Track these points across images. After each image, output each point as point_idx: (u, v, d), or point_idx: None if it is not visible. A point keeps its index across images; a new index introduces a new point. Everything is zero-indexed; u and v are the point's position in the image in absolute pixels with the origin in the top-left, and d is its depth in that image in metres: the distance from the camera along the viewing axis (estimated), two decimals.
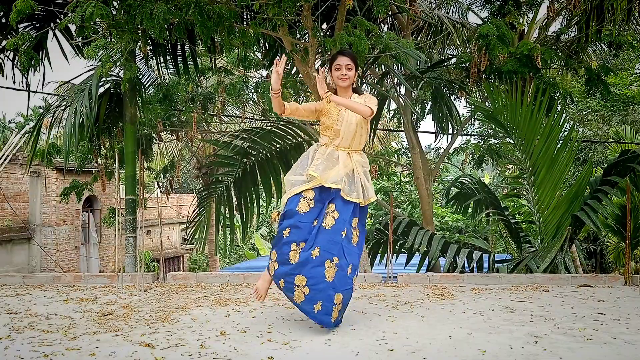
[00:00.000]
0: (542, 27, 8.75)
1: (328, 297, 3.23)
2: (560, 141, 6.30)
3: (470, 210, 8.64)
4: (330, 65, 3.53)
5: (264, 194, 8.28)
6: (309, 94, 8.60)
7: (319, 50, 6.05)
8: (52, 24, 6.32)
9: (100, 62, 5.46)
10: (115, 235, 6.06)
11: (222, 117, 11.14)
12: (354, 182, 3.43)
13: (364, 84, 8.63)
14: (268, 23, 5.04)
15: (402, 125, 9.36)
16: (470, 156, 10.82)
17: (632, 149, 7.13)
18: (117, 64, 5.56)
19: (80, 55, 6.90)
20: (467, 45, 8.53)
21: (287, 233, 3.32)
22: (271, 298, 4.35)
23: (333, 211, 3.36)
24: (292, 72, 7.27)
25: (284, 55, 3.48)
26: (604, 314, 3.70)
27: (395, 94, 8.96)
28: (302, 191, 3.38)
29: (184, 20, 4.82)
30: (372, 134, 9.17)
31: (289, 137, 8.12)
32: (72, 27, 5.79)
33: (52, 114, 7.00)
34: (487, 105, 7.23)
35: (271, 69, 7.74)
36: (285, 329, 3.38)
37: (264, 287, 3.53)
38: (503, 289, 4.71)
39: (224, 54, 8.40)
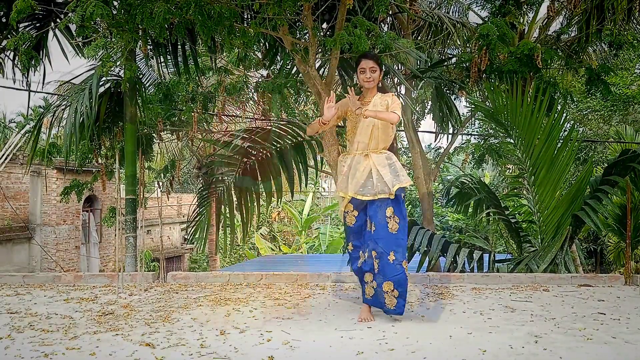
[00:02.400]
0: (543, 26, 8.75)
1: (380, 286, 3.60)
2: (561, 141, 6.29)
3: (470, 209, 8.63)
4: (355, 67, 3.81)
5: (264, 194, 8.28)
6: (309, 93, 8.60)
7: (319, 50, 6.04)
8: (52, 24, 6.32)
9: (100, 62, 5.45)
10: (115, 235, 6.06)
11: (223, 116, 11.12)
12: (369, 182, 3.67)
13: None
14: (268, 23, 5.03)
15: (402, 124, 9.35)
16: (471, 156, 10.81)
17: (632, 148, 7.12)
18: (118, 63, 5.57)
19: (80, 54, 6.90)
20: (468, 45, 8.53)
21: (350, 248, 3.85)
22: (271, 298, 4.36)
23: (370, 215, 3.68)
24: (293, 71, 7.27)
25: (332, 92, 3.84)
26: (604, 314, 3.71)
27: (396, 93, 8.95)
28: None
29: (184, 19, 4.81)
30: None
31: (289, 137, 8.10)
32: (73, 27, 5.79)
33: (52, 114, 7.00)
34: (488, 104, 7.23)
35: (272, 68, 7.81)
36: (286, 328, 3.38)
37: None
38: (503, 289, 4.71)
39: (224, 54, 8.40)
